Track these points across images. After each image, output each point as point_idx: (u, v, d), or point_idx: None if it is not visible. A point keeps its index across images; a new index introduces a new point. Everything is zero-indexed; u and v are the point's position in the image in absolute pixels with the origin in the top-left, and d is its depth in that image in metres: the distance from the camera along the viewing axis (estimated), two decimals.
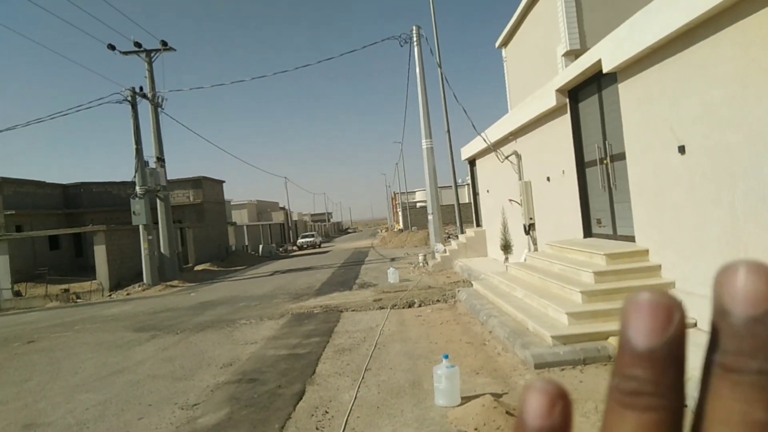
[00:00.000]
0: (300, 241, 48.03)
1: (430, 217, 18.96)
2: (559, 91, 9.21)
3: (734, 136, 5.21)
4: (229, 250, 36.14)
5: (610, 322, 6.11)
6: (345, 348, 7.46)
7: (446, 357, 4.91)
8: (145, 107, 22.64)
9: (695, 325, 5.84)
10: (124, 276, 22.40)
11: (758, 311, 0.16)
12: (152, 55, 23.02)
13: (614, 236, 8.22)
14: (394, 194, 73.77)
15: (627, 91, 7.16)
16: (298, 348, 7.71)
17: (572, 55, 11.51)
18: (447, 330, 8.05)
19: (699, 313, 5.86)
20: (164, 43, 23.15)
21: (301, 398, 5.51)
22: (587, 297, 6.51)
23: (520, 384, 5.29)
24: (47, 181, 29.05)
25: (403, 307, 10.17)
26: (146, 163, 22.01)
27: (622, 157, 7.59)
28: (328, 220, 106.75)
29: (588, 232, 9.12)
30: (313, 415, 5.01)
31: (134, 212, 21.10)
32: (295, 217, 73.74)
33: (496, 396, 4.79)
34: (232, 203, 51.82)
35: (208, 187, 34.03)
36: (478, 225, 17.91)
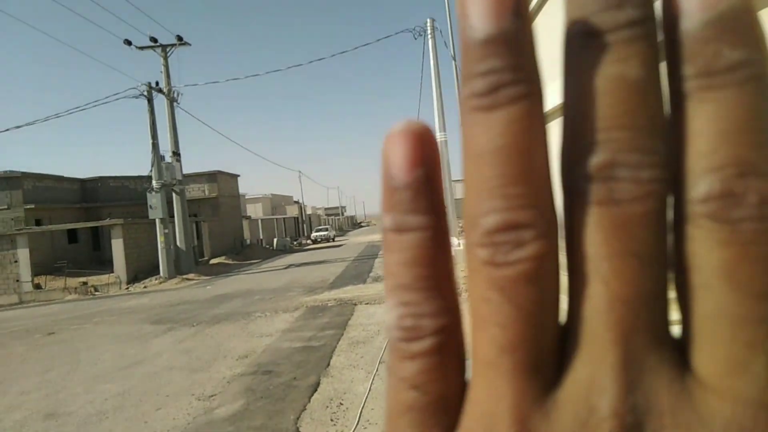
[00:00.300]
0: (314, 234, 48.22)
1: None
2: None
3: None
4: (244, 244, 36.43)
5: None
6: (359, 341, 7.49)
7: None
8: (161, 102, 22.85)
9: None
10: (141, 269, 22.69)
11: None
12: (168, 50, 23.18)
13: None
14: None
15: None
16: (313, 340, 7.76)
17: None
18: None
19: None
20: (180, 38, 23.30)
21: (315, 390, 5.55)
22: None
23: None
24: (65, 175, 29.47)
25: None
26: (162, 158, 22.23)
27: None
28: (342, 214, 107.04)
29: None
30: (327, 406, 5.05)
31: (151, 206, 21.33)
32: (309, 211, 74.05)
33: None
34: (246, 197, 52.17)
35: (223, 181, 34.27)
36: None
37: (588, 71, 0.15)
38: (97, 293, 20.55)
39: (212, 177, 32.90)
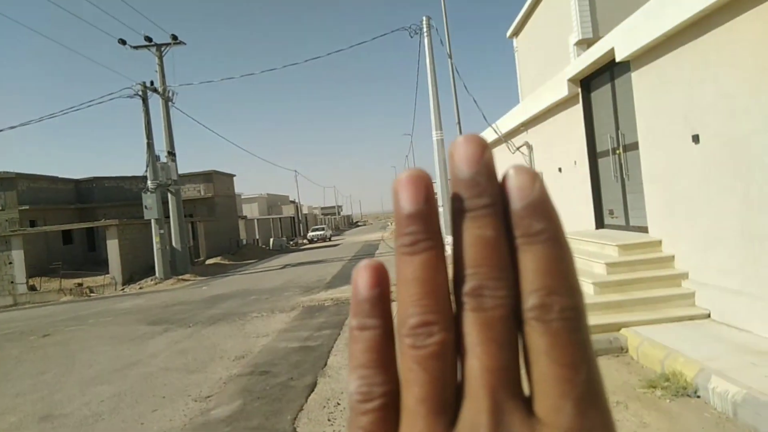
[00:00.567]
0: (310, 234, 48.19)
1: (440, 209, 18.93)
2: (571, 80, 9.12)
3: (750, 124, 5.12)
4: (240, 244, 36.35)
5: (623, 313, 6.07)
6: None
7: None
8: (156, 102, 22.77)
9: (709, 316, 5.79)
10: (137, 270, 22.62)
11: (473, 168, 0.24)
12: (162, 49, 23.10)
13: (627, 227, 8.14)
14: None
15: (640, 80, 7.07)
16: (310, 340, 7.75)
17: (584, 44, 11.39)
18: None
19: (713, 304, 5.80)
20: (174, 37, 23.22)
21: (312, 390, 5.54)
22: (599, 288, 6.46)
23: None
24: (60, 176, 29.33)
25: None
26: (157, 158, 22.15)
27: (635, 146, 7.50)
28: (338, 214, 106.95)
29: (600, 223, 9.05)
30: (324, 406, 5.03)
31: (146, 206, 21.26)
32: (305, 211, 73.95)
33: None
34: (242, 197, 52.05)
35: (219, 181, 34.19)
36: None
37: (464, 232, 0.24)
38: (92, 294, 20.46)
39: (208, 177, 32.82)
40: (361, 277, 0.24)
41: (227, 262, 28.04)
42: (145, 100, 21.61)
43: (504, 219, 0.24)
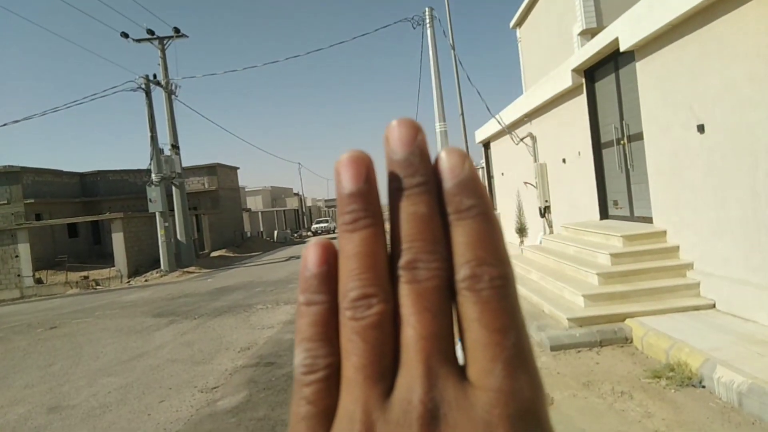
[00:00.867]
0: (314, 226, 48.25)
1: None
2: (575, 71, 9.06)
3: (756, 114, 5.09)
4: (244, 236, 36.44)
5: (628, 303, 6.07)
6: None
7: (460, 341, 4.92)
8: (159, 95, 22.76)
9: (714, 306, 5.78)
10: (142, 263, 22.72)
11: (407, 149, 0.25)
12: (165, 42, 23.06)
13: (631, 218, 8.12)
14: None
15: (645, 69, 7.02)
16: None
17: (588, 34, 11.30)
18: None
19: (718, 294, 5.79)
20: (177, 30, 23.18)
21: None
22: (604, 279, 6.46)
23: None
24: (65, 170, 29.42)
25: None
26: (161, 151, 22.17)
27: (639, 137, 7.47)
28: None
29: (604, 214, 9.03)
30: None
31: (150, 199, 21.32)
32: (309, 203, 73.96)
33: None
34: (246, 189, 52.11)
35: (223, 173, 34.23)
36: (493, 208, 17.80)
37: (400, 209, 0.25)
38: (98, 287, 20.59)
39: (212, 170, 32.85)
40: (310, 255, 0.26)
41: (232, 255, 28.13)
42: (148, 93, 21.61)
43: (437, 196, 0.26)
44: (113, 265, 22.17)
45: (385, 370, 0.24)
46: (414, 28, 18.57)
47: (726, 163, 5.58)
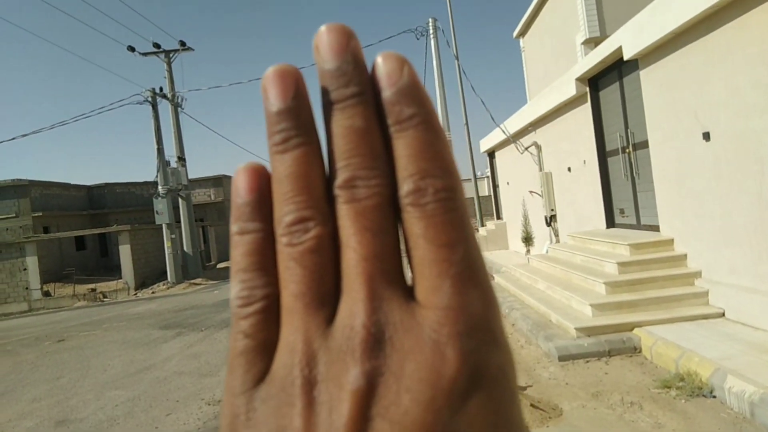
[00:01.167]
0: None
1: None
2: (579, 80, 9.08)
3: (761, 121, 5.08)
4: None
5: (636, 312, 6.03)
6: None
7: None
8: (165, 108, 22.95)
9: (723, 314, 5.74)
10: (149, 275, 22.79)
11: (339, 57, 0.23)
12: (171, 55, 23.28)
13: (638, 226, 8.09)
14: None
15: (649, 77, 7.03)
16: None
17: (592, 43, 11.32)
18: None
19: (727, 302, 5.75)
20: (183, 44, 23.39)
21: None
22: (611, 288, 6.43)
23: (544, 376, 5.26)
24: (72, 182, 29.64)
25: None
26: (168, 163, 22.31)
27: (644, 145, 7.46)
28: None
29: (611, 223, 9.00)
30: None
31: (157, 212, 21.41)
32: None
33: (520, 389, 4.76)
34: None
35: (229, 185, 34.34)
36: (499, 218, 17.80)
37: (333, 125, 0.24)
38: (105, 299, 20.64)
39: (218, 181, 33.01)
40: (241, 181, 0.24)
41: None
42: (154, 106, 21.79)
43: (375, 108, 0.24)
44: (120, 278, 22.24)
45: (325, 296, 0.23)
46: (417, 39, 18.69)
47: (732, 171, 5.56)
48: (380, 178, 0.23)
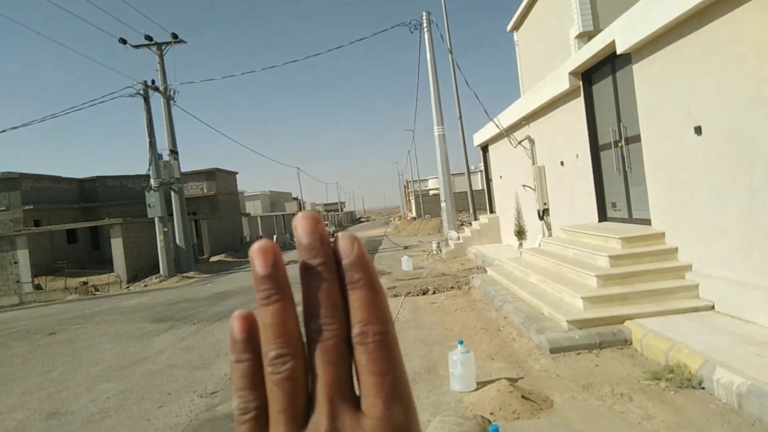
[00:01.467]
0: None
1: (443, 204, 18.90)
2: (573, 74, 9.09)
3: (752, 115, 5.10)
4: (243, 241, 36.41)
5: (627, 305, 6.07)
6: None
7: (461, 342, 4.92)
8: (157, 100, 22.77)
9: (713, 307, 5.79)
10: (141, 268, 22.68)
11: (310, 237, 0.32)
12: (163, 48, 23.09)
13: (630, 220, 8.14)
14: (407, 182, 73.62)
15: (642, 72, 7.05)
16: None
17: (585, 37, 11.33)
18: (461, 316, 8.05)
19: (717, 295, 5.80)
20: (175, 36, 23.21)
21: None
22: (603, 281, 6.46)
23: (535, 369, 5.29)
24: (63, 175, 29.40)
25: (418, 295, 10.19)
26: (160, 156, 22.17)
27: (637, 139, 7.49)
28: (341, 210, 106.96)
29: (603, 216, 9.04)
30: None
31: (149, 205, 21.30)
32: (308, 207, 73.94)
33: (512, 380, 4.79)
34: (245, 194, 52.09)
35: (222, 178, 34.22)
36: (492, 211, 17.83)
37: (309, 284, 0.32)
38: (97, 293, 20.53)
39: (210, 175, 32.85)
40: (235, 324, 0.33)
41: (231, 259, 28.09)
42: (146, 99, 21.62)
43: (336, 271, 0.33)
44: (112, 271, 22.12)
45: (299, 410, 0.31)
46: (411, 32, 18.63)
47: (723, 165, 5.59)
48: (338, 323, 0.32)
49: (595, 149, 9.04)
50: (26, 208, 24.16)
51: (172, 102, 23.00)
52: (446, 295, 9.91)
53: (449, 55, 18.75)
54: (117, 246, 21.93)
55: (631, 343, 5.54)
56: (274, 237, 40.87)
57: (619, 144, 8.16)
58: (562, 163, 10.46)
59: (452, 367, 4.88)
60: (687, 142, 6.16)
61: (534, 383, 4.87)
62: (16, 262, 21.34)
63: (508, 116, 13.44)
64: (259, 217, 44.86)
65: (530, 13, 16.25)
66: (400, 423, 0.31)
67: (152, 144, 21.66)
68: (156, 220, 21.41)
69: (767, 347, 4.51)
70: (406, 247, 22.56)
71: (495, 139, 15.52)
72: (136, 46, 22.73)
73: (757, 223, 5.18)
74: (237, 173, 38.15)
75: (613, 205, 8.76)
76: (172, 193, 22.80)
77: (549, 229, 11.63)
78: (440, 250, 17.38)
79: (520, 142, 12.69)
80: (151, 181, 21.60)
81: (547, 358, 5.53)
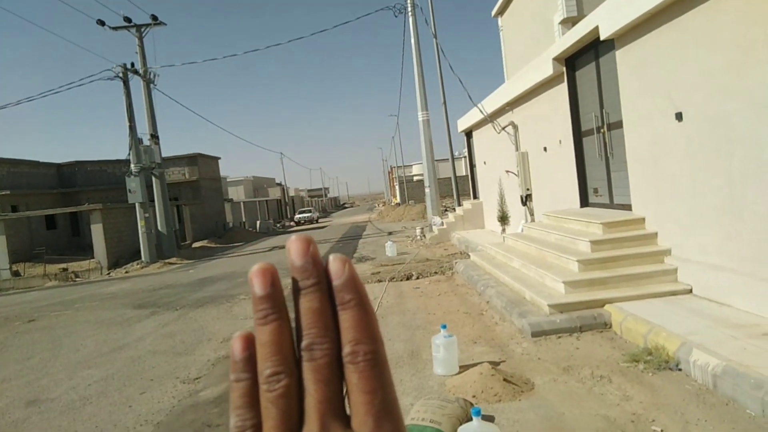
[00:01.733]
0: (297, 216, 48.06)
1: (427, 190, 18.93)
2: (556, 59, 9.10)
3: (732, 103, 5.16)
4: (226, 227, 36.13)
5: (607, 289, 6.15)
6: None
7: (444, 327, 4.95)
8: (137, 84, 22.35)
9: (691, 291, 5.90)
10: (122, 254, 22.42)
11: (303, 259, 0.34)
12: (142, 30, 22.61)
13: (611, 205, 8.22)
14: (391, 168, 73.54)
15: (624, 58, 7.08)
16: None
17: (569, 22, 11.33)
18: (445, 301, 8.10)
19: (695, 280, 5.90)
20: (154, 18, 22.74)
21: None
22: (584, 265, 6.54)
23: (517, 352, 5.35)
24: (41, 160, 28.81)
25: (401, 280, 10.22)
26: (140, 141, 21.82)
27: (619, 125, 7.54)
28: (325, 196, 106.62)
29: (585, 202, 9.13)
30: None
31: (130, 190, 21.00)
32: (291, 193, 73.53)
33: (494, 364, 4.84)
34: (228, 180, 51.59)
35: (204, 163, 33.84)
36: (475, 197, 17.90)
37: (300, 303, 0.33)
38: (77, 279, 20.27)
39: (192, 160, 32.46)
40: (236, 344, 0.34)
41: (214, 245, 27.89)
42: (126, 83, 21.20)
43: (328, 292, 0.34)
44: (93, 257, 21.85)
45: (291, 428, 0.32)
46: (396, 16, 18.49)
47: (703, 151, 5.66)
48: (329, 343, 0.33)
49: (578, 135, 9.09)
50: (3, 193, 23.69)
51: (152, 86, 22.60)
52: (430, 280, 9.96)
53: (434, 40, 18.65)
54: (97, 232, 21.63)
55: (610, 327, 5.63)
56: (257, 223, 40.64)
57: (602, 130, 8.21)
58: (545, 149, 10.51)
59: (435, 351, 4.92)
60: (668, 128, 6.22)
61: (516, 366, 4.93)
62: None
63: (492, 102, 13.44)
64: (242, 203, 44.52)
65: None
66: None
67: (132, 128, 21.29)
68: (137, 205, 21.13)
69: (742, 330, 4.62)
70: (390, 233, 22.58)
71: (479, 125, 15.52)
72: (115, 28, 22.23)
73: (734, 210, 5.27)
74: (219, 158, 37.76)
75: (595, 190, 8.84)
76: (153, 179, 22.49)
77: (532, 214, 11.72)
78: (424, 236, 17.43)
79: (503, 128, 12.72)
80: (132, 166, 21.27)
81: (529, 341, 5.60)
